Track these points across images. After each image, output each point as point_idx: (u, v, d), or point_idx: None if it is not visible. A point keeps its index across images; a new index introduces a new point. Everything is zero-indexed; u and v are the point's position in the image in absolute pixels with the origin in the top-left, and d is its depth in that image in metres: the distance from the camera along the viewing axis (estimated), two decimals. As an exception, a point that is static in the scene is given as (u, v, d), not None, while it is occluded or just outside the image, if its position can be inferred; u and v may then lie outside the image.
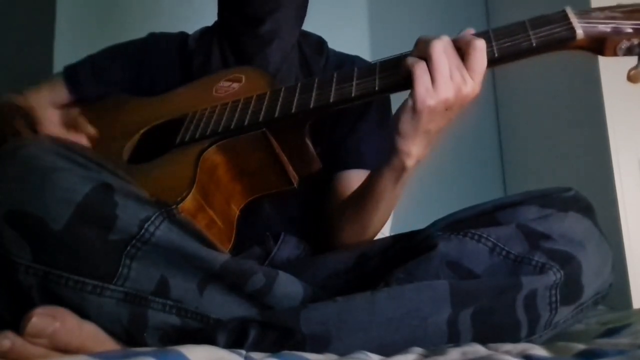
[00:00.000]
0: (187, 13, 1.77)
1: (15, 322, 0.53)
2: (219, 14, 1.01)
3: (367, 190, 0.81)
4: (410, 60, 0.69)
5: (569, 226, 0.66)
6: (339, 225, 0.86)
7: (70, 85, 0.99)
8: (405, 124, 0.69)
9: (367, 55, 1.05)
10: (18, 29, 1.81)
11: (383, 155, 0.98)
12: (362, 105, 0.96)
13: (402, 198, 0.82)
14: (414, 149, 0.71)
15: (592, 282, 0.65)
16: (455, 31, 0.72)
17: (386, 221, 0.85)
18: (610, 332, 0.71)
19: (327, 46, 1.05)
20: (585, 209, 0.69)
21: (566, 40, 0.68)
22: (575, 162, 1.48)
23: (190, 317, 0.62)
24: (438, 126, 0.70)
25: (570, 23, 0.67)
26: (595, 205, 0.71)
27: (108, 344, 0.59)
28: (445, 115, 0.69)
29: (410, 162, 0.73)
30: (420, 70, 0.67)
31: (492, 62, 0.69)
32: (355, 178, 0.92)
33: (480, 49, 0.67)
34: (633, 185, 1.30)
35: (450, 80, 0.67)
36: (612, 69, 1.31)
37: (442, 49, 0.67)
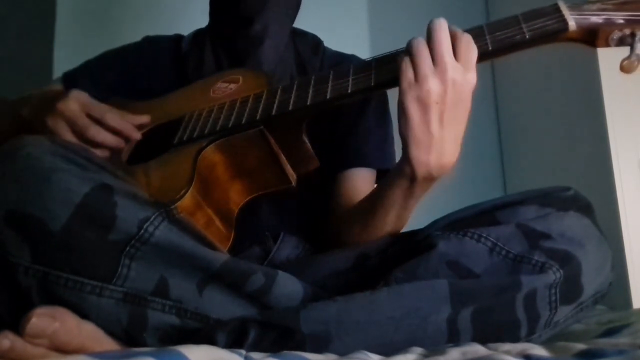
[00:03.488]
0: (186, 14, 1.77)
1: (15, 323, 0.53)
2: (211, 15, 1.01)
3: (377, 197, 0.79)
4: (400, 56, 0.69)
5: (568, 225, 0.66)
6: (347, 230, 0.85)
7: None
8: (401, 125, 0.68)
9: (366, 54, 1.05)
10: (18, 29, 1.81)
11: (384, 153, 0.97)
12: (361, 104, 0.96)
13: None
14: (418, 154, 0.68)
15: (591, 281, 0.65)
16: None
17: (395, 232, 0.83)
18: (610, 332, 0.71)
19: (323, 45, 1.05)
20: (584, 208, 0.69)
21: (558, 32, 0.69)
22: (575, 162, 1.48)
23: (190, 317, 0.62)
24: (438, 125, 0.67)
25: (563, 15, 0.69)
26: (595, 205, 0.71)
27: (108, 344, 0.59)
28: (442, 110, 0.66)
29: (419, 171, 0.69)
30: (404, 64, 0.67)
31: (486, 54, 0.70)
32: (358, 177, 0.92)
33: (466, 37, 0.67)
34: (633, 185, 1.30)
35: (432, 70, 0.66)
36: (612, 69, 1.31)
37: (423, 41, 0.67)
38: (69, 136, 0.77)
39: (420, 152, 0.68)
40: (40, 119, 0.78)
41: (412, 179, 0.71)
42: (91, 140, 0.77)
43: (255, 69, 0.91)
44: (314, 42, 1.04)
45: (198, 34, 1.04)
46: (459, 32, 0.68)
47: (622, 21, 0.68)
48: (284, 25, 0.97)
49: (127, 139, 0.80)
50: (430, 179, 0.71)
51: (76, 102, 0.78)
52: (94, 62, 1.02)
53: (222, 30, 0.97)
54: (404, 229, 0.80)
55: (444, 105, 0.66)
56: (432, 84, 0.65)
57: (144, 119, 0.84)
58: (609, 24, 0.68)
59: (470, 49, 0.67)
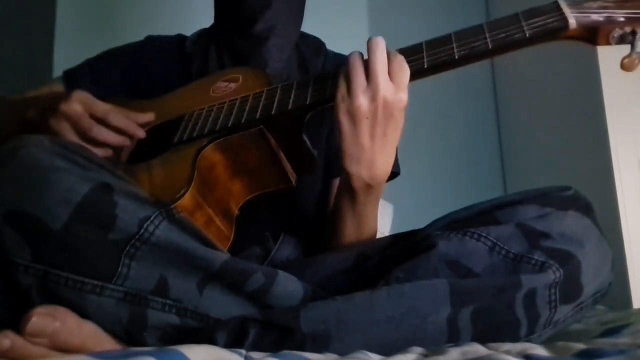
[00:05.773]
0: (187, 14, 1.77)
1: (15, 323, 0.53)
2: (215, 16, 1.01)
3: (333, 209, 0.83)
4: (339, 69, 0.72)
5: (568, 225, 0.66)
6: (327, 237, 0.86)
7: (70, 89, 0.99)
8: (335, 137, 0.72)
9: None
10: (18, 29, 1.82)
11: None
12: None
13: (378, 216, 0.81)
14: (350, 165, 0.72)
15: (591, 280, 0.65)
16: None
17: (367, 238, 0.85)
18: (610, 332, 0.71)
19: (325, 48, 1.05)
20: (584, 207, 0.69)
21: (559, 30, 0.68)
22: (575, 162, 1.49)
23: (190, 317, 0.62)
24: (368, 139, 0.70)
25: (563, 13, 0.68)
26: (595, 205, 0.71)
27: (108, 343, 0.59)
28: (372, 126, 0.70)
29: (354, 182, 0.73)
30: (340, 79, 0.71)
31: (486, 53, 0.70)
32: None
33: (399, 58, 0.70)
34: (633, 185, 1.30)
35: (364, 87, 0.69)
36: (612, 69, 1.31)
37: (360, 58, 0.71)
38: (72, 137, 0.77)
39: (352, 163, 0.72)
40: (45, 120, 0.78)
41: (350, 189, 0.75)
42: (94, 139, 0.78)
43: (255, 68, 0.91)
44: (316, 44, 1.04)
45: (202, 34, 1.04)
46: (392, 53, 0.71)
47: (622, 19, 0.67)
48: (290, 25, 0.97)
49: (131, 137, 0.81)
50: (367, 188, 0.74)
51: (79, 102, 0.78)
52: (96, 61, 1.02)
53: (226, 31, 0.97)
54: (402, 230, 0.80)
55: (375, 120, 0.70)
56: (363, 101, 0.69)
57: (148, 117, 0.85)
58: (610, 22, 0.68)
59: (403, 70, 0.70)
